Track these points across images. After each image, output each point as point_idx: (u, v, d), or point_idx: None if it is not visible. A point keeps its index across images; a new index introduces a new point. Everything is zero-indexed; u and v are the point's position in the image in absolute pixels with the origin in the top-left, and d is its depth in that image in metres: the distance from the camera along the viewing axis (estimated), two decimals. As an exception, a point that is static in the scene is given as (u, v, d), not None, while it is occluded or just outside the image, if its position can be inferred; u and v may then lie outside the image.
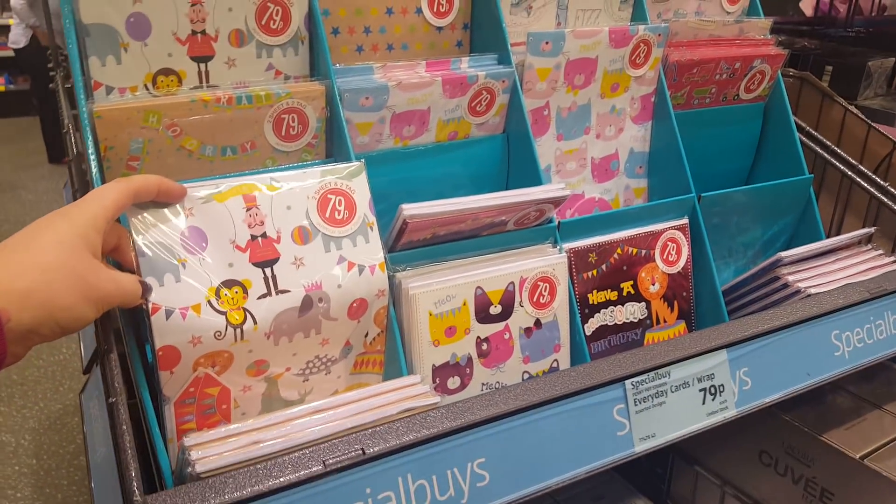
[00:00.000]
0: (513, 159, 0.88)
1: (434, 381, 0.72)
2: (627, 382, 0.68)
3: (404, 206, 0.67)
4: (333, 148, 0.75)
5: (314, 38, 0.72)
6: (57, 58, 1.01)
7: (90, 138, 0.60)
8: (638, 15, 0.98)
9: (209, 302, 0.57)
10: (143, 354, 0.60)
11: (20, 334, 0.46)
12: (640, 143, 1.00)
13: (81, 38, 0.62)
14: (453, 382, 0.74)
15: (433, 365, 0.72)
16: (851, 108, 1.26)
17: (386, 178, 0.80)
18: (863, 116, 1.25)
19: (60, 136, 0.92)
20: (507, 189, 0.90)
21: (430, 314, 0.71)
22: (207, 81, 0.68)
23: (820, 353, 0.85)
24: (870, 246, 1.04)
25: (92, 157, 0.60)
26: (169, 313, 0.56)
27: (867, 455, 0.85)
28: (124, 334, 0.60)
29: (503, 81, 0.82)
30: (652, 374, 0.70)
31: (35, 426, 2.01)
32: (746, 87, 1.07)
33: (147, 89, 0.65)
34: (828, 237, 1.12)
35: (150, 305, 0.56)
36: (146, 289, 0.55)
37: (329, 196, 0.64)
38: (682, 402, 0.72)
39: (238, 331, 0.58)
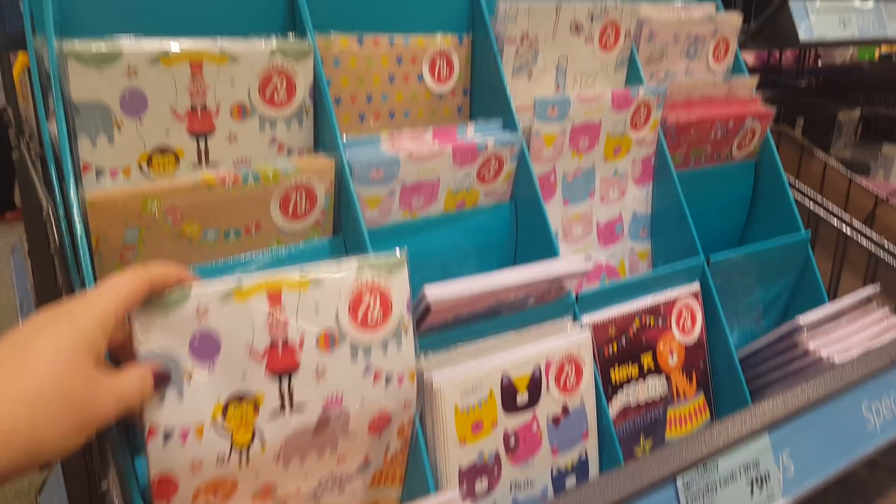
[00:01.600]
0: (521, 227, 0.83)
1: (461, 487, 0.65)
2: (679, 481, 0.62)
3: (427, 287, 0.61)
4: (341, 224, 0.69)
5: (319, 109, 0.66)
6: (19, 123, 0.91)
7: (80, 229, 0.52)
8: (633, 76, 0.96)
9: (215, 421, 0.49)
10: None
11: None
12: (643, 205, 0.97)
13: (71, 117, 0.54)
14: (480, 486, 0.66)
15: (460, 467, 0.65)
16: (832, 160, 1.27)
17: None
18: (843, 169, 1.26)
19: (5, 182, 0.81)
20: (515, 258, 0.85)
21: (457, 408, 0.64)
22: (207, 158, 0.61)
23: (853, 427, 0.81)
24: (875, 304, 1.03)
25: (84, 251, 0.52)
26: (168, 436, 0.48)
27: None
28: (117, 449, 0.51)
29: (511, 148, 0.77)
30: (701, 467, 0.64)
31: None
32: (739, 144, 1.05)
33: (141, 170, 0.58)
34: (827, 291, 1.10)
35: (146, 426, 0.47)
36: (162, 380, 0.47)
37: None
38: (731, 499, 0.66)
39: (244, 455, 0.50)
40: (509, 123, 0.80)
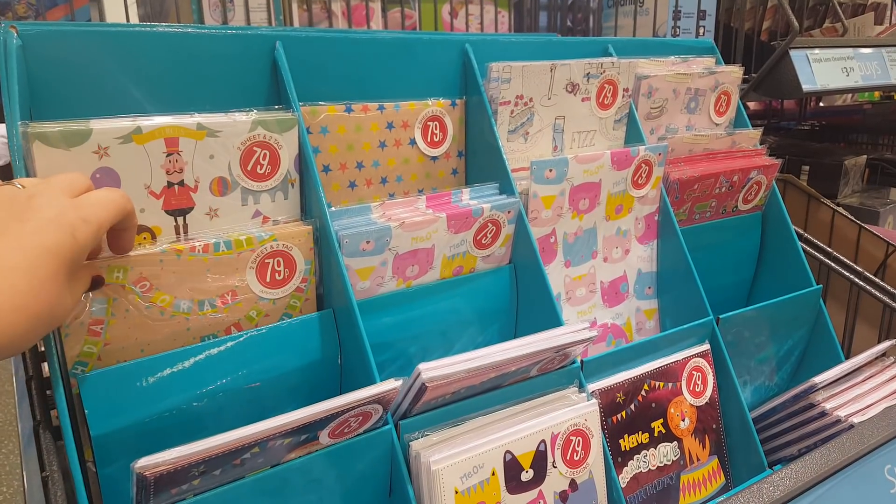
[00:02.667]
0: (521, 290, 0.81)
1: (465, 573, 0.61)
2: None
3: (423, 366, 0.58)
4: (332, 296, 0.66)
5: (306, 180, 0.65)
6: None
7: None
8: (632, 133, 0.94)
9: None
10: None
11: None
12: (648, 263, 0.95)
13: None
14: (486, 569, 0.62)
15: (462, 552, 0.61)
16: (840, 209, 1.25)
17: (388, 322, 0.71)
18: (852, 218, 1.23)
19: None
20: (517, 322, 0.82)
21: (457, 491, 0.60)
22: (186, 234, 0.59)
23: (876, 492, 0.76)
24: (892, 360, 0.99)
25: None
26: None
27: None
28: None
29: (508, 212, 0.75)
30: (719, 546, 0.60)
31: None
32: (745, 197, 1.03)
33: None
34: (841, 345, 1.07)
35: None
36: (98, 282, 0.52)
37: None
38: (752, 575, 0.62)
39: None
40: (506, 187, 0.78)
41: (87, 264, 0.49)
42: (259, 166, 0.62)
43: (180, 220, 0.59)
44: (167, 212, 0.59)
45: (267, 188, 0.63)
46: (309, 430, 0.53)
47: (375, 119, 0.73)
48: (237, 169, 0.61)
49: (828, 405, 0.84)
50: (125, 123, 0.56)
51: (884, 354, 0.99)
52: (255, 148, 0.61)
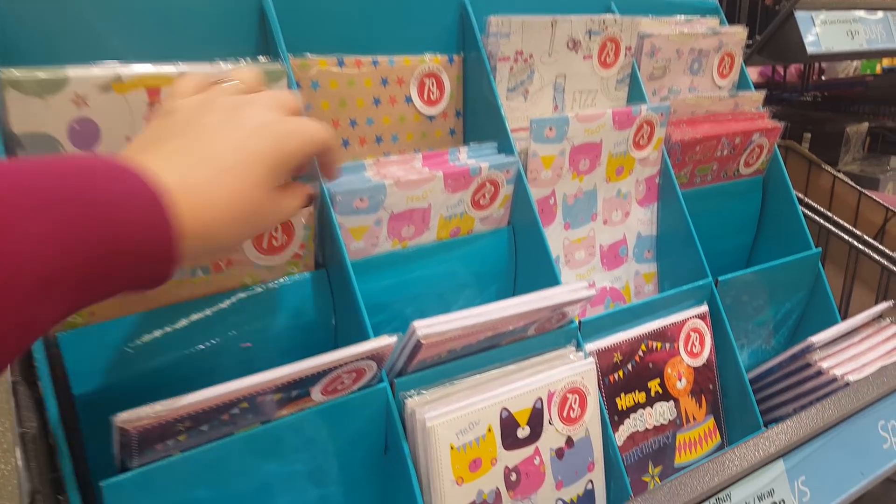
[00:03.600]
0: (520, 253, 0.80)
1: (460, 528, 0.61)
2: (689, 515, 0.59)
3: (417, 323, 0.58)
4: (325, 257, 0.66)
5: (300, 135, 0.63)
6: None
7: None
8: (634, 94, 0.93)
9: None
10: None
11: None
12: (647, 227, 0.94)
13: (12, 150, 0.50)
14: (481, 525, 0.63)
15: (457, 508, 0.61)
16: (840, 175, 1.24)
17: (384, 284, 0.71)
18: (853, 183, 1.22)
19: None
20: (515, 285, 0.82)
21: (452, 447, 0.61)
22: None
23: (869, 447, 0.77)
24: (888, 321, 0.99)
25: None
26: None
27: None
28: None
29: (507, 172, 0.74)
30: (714, 500, 0.60)
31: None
32: (746, 161, 1.02)
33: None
34: (839, 309, 1.07)
35: None
36: (311, 199, 0.54)
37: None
38: (746, 530, 0.63)
39: None
40: (505, 146, 0.77)
41: (298, 182, 0.52)
42: (247, 120, 0.60)
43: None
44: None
45: (260, 145, 0.62)
46: (300, 386, 0.52)
47: (369, 74, 0.72)
48: (230, 123, 0.59)
49: (824, 364, 0.84)
50: (104, 72, 0.53)
51: (881, 316, 0.99)
52: (242, 100, 0.60)
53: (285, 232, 0.62)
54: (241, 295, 0.61)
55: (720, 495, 0.61)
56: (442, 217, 0.71)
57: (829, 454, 0.73)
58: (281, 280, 0.63)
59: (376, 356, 0.55)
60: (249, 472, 0.56)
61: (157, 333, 0.57)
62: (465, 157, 0.74)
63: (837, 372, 0.84)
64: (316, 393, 0.55)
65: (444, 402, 0.62)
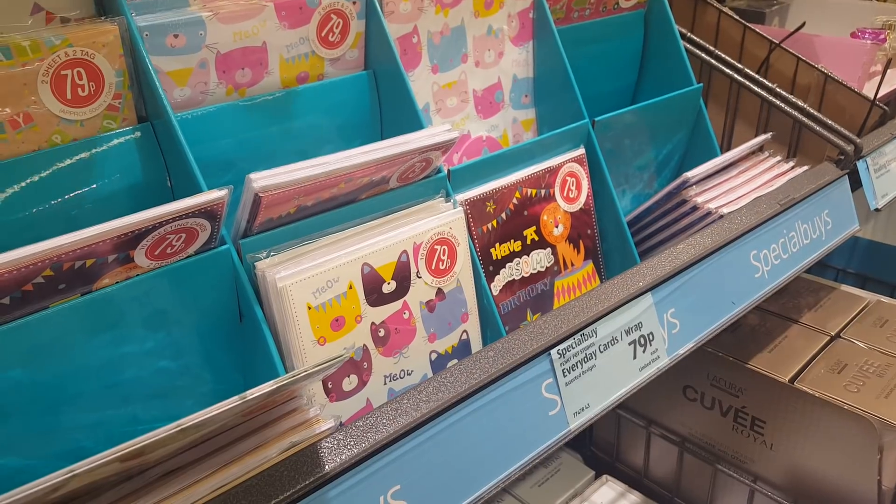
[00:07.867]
0: (384, 101, 0.74)
1: (327, 388, 0.59)
2: (553, 352, 0.58)
3: (253, 175, 0.52)
4: (147, 108, 0.57)
5: (94, -39, 0.53)
6: None
7: None
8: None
9: None
10: None
11: None
12: (524, 69, 0.88)
13: None
14: (349, 383, 0.61)
15: (321, 368, 0.58)
16: (726, 9, 1.20)
17: (226, 141, 0.64)
18: (738, 18, 1.19)
19: None
20: (382, 138, 0.76)
21: (309, 307, 0.57)
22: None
23: (741, 277, 0.79)
24: (766, 154, 1.00)
25: None
26: None
27: (796, 377, 0.81)
28: None
29: (355, 3, 0.66)
30: (578, 336, 0.60)
31: None
32: (625, -7, 0.97)
33: None
34: (720, 147, 1.07)
35: None
36: None
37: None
38: (612, 362, 0.63)
39: None
40: (353, -25, 0.68)
41: None
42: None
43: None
44: None
45: (44, -26, 0.52)
46: (117, 251, 0.46)
47: None
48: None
49: (699, 199, 0.84)
50: None
51: (760, 149, 1.00)
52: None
53: (91, 78, 0.53)
54: (55, 157, 0.53)
55: (585, 331, 0.60)
56: (283, 58, 0.63)
57: (700, 286, 0.74)
58: (96, 137, 0.55)
59: (207, 212, 0.50)
60: (81, 349, 0.50)
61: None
62: (307, -10, 0.65)
63: (712, 206, 0.84)
64: (140, 257, 0.49)
65: (298, 262, 0.57)
